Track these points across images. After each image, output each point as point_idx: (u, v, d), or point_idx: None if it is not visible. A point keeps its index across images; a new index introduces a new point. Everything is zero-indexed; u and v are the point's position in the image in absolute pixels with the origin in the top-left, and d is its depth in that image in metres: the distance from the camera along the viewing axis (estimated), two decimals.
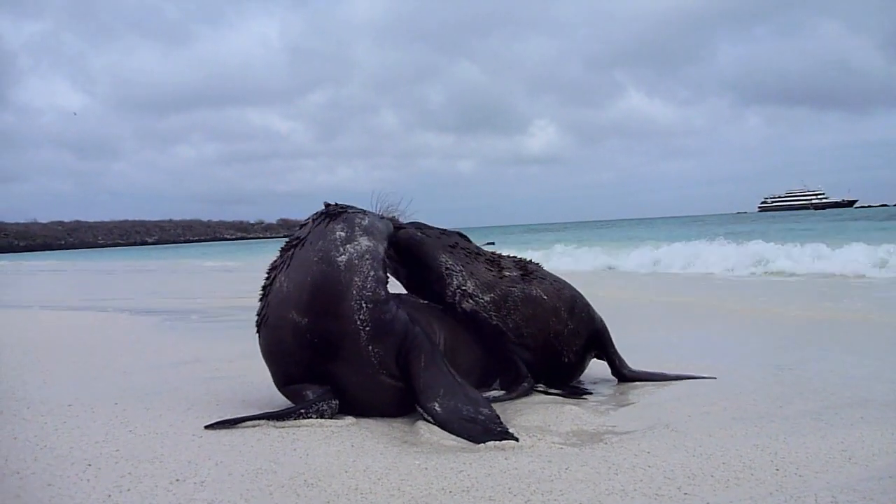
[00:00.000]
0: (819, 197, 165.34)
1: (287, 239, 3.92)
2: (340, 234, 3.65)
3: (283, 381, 3.77)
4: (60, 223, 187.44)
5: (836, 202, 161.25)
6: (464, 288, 4.33)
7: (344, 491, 2.71)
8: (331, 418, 3.59)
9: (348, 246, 3.62)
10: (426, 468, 2.97)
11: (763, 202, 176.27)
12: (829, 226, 42.63)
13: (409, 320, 3.74)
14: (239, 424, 3.49)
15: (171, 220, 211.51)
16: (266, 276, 3.84)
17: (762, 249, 16.58)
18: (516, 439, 3.32)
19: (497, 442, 3.29)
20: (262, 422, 3.52)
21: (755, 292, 11.48)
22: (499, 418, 3.51)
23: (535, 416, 3.76)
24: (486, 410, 3.55)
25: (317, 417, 3.56)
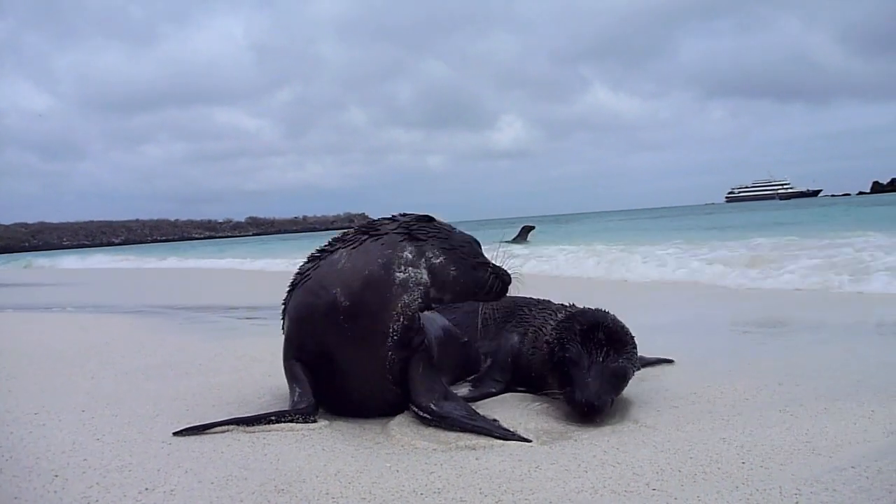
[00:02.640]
0: (784, 187, 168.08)
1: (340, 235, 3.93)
2: (408, 255, 3.67)
3: (295, 351, 3.80)
4: (24, 225, 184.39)
5: (802, 192, 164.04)
6: None
7: (315, 495, 2.71)
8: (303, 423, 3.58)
9: (410, 269, 3.66)
10: (397, 470, 2.98)
11: (730, 193, 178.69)
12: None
13: (425, 332, 3.92)
14: (208, 430, 3.47)
15: (137, 220, 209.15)
16: (328, 245, 3.88)
17: None
18: (528, 440, 3.41)
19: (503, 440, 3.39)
20: (231, 427, 3.50)
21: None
22: (496, 422, 3.58)
23: (505, 413, 3.77)
24: (480, 418, 3.63)
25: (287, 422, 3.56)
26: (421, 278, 3.66)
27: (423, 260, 3.67)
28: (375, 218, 3.97)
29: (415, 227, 3.76)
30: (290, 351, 3.84)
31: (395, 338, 3.64)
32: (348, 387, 3.74)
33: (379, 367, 3.67)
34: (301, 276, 3.87)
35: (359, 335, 3.60)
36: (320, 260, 3.81)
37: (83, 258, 46.99)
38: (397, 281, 3.63)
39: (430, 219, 3.87)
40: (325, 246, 3.89)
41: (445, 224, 3.92)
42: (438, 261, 3.69)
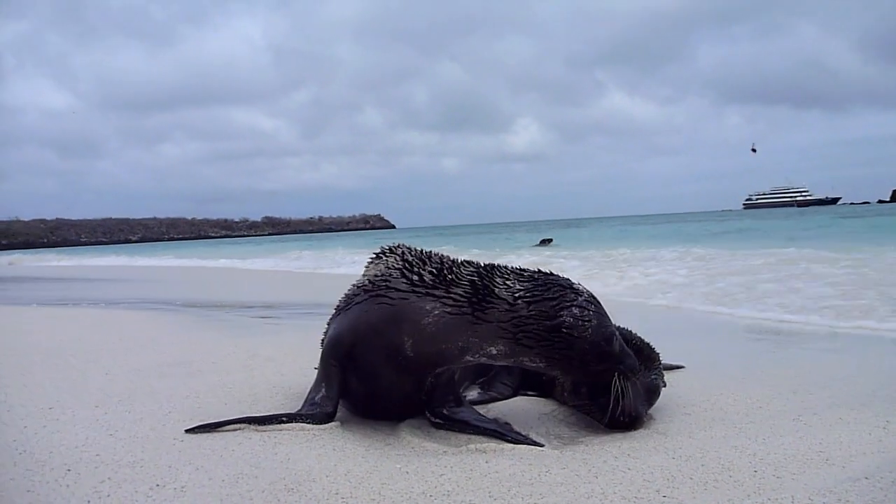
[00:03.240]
0: (803, 194, 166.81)
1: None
2: (493, 351, 3.41)
3: (341, 352, 3.67)
4: (43, 221, 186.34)
5: (820, 199, 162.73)
6: None
7: (324, 495, 2.71)
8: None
9: (484, 358, 3.46)
10: (407, 472, 2.98)
11: (748, 199, 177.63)
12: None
13: None
14: (220, 428, 3.48)
15: (154, 218, 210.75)
16: (431, 272, 3.56)
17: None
18: (540, 444, 3.40)
19: (514, 444, 3.37)
20: (243, 426, 3.51)
21: None
22: (508, 425, 3.58)
23: (515, 417, 3.78)
24: (491, 421, 3.64)
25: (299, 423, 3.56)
26: (496, 363, 3.52)
27: (513, 359, 3.43)
28: (491, 270, 3.53)
29: (531, 330, 3.34)
30: (337, 349, 3.71)
31: (439, 373, 3.63)
32: (380, 395, 3.70)
33: (416, 390, 3.65)
34: (381, 288, 3.60)
35: (410, 371, 3.56)
36: (414, 290, 3.50)
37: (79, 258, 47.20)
38: (465, 360, 3.49)
39: (559, 289, 3.40)
40: (427, 273, 3.55)
41: (583, 301, 3.38)
42: (539, 364, 3.42)
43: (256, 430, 3.48)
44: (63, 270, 30.05)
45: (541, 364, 3.42)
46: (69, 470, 2.91)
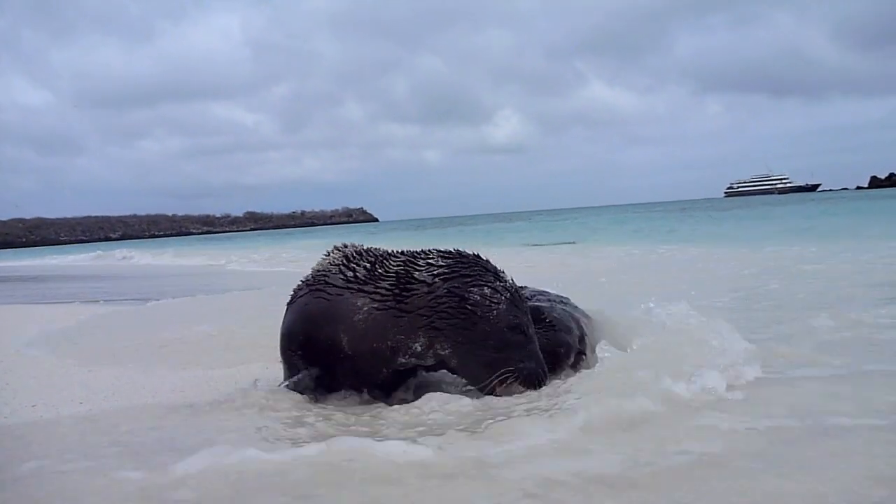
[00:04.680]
0: (783, 182, 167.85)
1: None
2: (417, 347, 3.60)
3: (294, 342, 3.84)
4: (21, 220, 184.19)
5: (800, 186, 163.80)
6: None
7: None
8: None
9: (413, 360, 3.64)
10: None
11: (729, 187, 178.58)
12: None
13: None
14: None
15: (135, 216, 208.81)
16: (367, 269, 3.69)
17: None
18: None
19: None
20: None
21: None
22: None
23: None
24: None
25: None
26: (424, 363, 3.66)
27: (431, 352, 3.58)
28: (418, 255, 3.72)
29: (443, 308, 3.50)
30: (292, 341, 3.87)
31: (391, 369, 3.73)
32: (338, 376, 3.83)
33: (371, 375, 3.77)
34: (320, 283, 3.75)
35: (360, 363, 3.68)
36: (349, 287, 3.63)
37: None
38: (399, 362, 3.64)
39: (479, 269, 3.59)
40: (361, 268, 3.68)
41: (500, 286, 3.57)
42: (445, 352, 3.57)
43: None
44: (66, 269, 29.81)
45: (447, 351, 3.52)
46: None
